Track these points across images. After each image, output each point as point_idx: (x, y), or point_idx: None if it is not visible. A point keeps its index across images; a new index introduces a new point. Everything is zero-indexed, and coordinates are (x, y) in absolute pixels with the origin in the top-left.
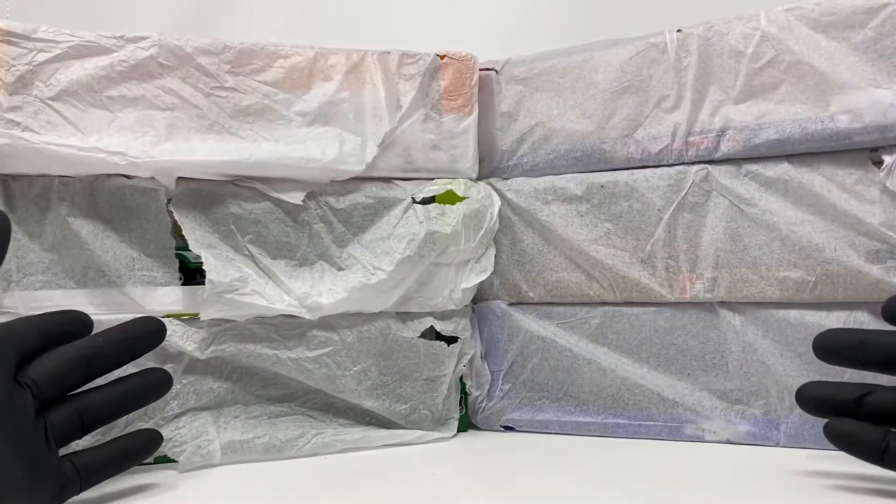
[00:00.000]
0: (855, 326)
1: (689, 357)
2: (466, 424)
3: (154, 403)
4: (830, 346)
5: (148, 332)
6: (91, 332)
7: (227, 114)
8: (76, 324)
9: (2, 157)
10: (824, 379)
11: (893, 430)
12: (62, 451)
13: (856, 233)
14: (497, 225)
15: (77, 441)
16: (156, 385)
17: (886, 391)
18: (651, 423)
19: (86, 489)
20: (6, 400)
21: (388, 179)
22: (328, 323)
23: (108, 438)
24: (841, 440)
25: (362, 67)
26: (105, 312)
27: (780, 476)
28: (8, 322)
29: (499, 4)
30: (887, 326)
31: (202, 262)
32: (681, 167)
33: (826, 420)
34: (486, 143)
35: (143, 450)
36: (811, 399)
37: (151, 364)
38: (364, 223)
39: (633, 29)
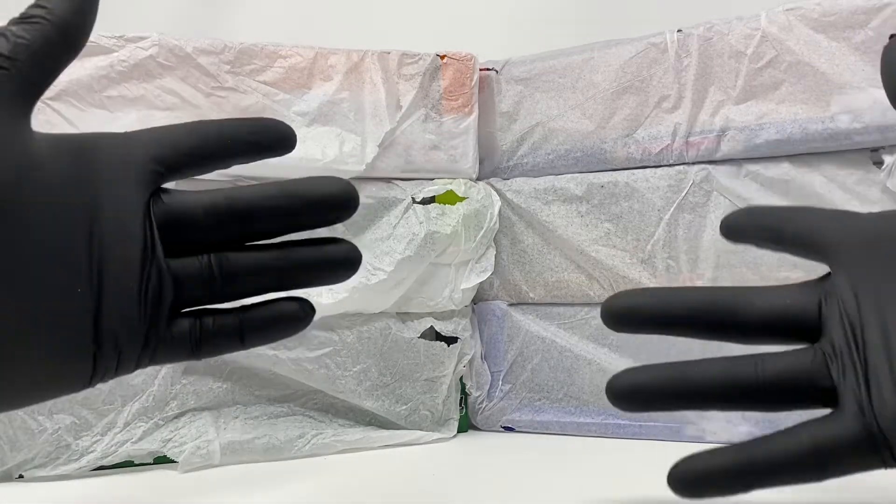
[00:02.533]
0: None
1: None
2: (466, 425)
3: (152, 403)
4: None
5: (335, 195)
6: (291, 150)
7: (227, 114)
8: (265, 135)
9: None
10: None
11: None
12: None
13: None
14: (497, 225)
15: None
16: (342, 261)
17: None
18: (651, 423)
19: (199, 359)
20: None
21: (388, 179)
22: (328, 323)
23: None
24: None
25: (362, 67)
26: None
27: None
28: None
29: (499, 4)
30: None
31: None
32: (681, 167)
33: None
34: (486, 143)
35: (288, 324)
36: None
37: None
38: (364, 223)
39: (633, 29)
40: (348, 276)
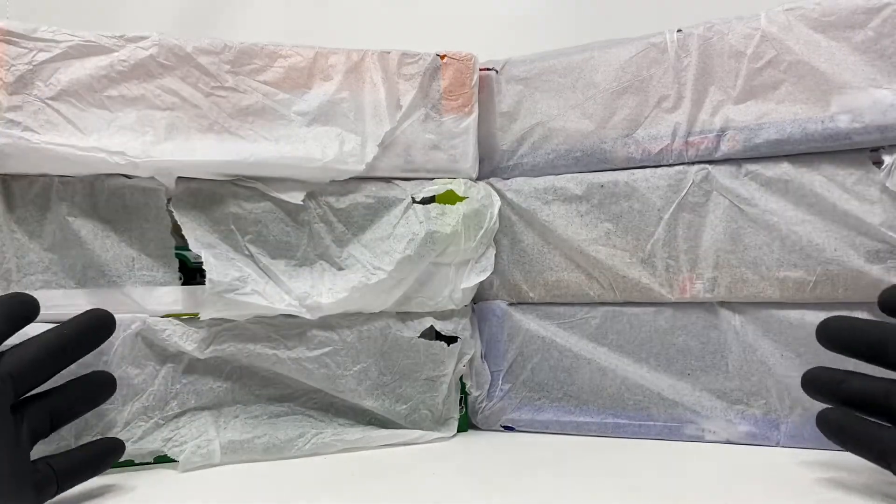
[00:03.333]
0: None
1: (689, 357)
2: (466, 424)
3: (153, 403)
4: (835, 336)
5: (99, 326)
6: (38, 313)
7: (227, 113)
8: (30, 308)
9: (2, 156)
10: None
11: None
12: (35, 454)
13: (856, 233)
14: (497, 225)
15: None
16: (108, 385)
17: (859, 378)
18: (651, 423)
19: (61, 493)
20: None
21: (388, 179)
22: (328, 323)
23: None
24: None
25: (362, 67)
26: None
27: (779, 476)
28: None
29: (499, 4)
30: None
31: (202, 262)
32: (681, 167)
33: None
34: (486, 143)
35: (111, 455)
36: (808, 380)
37: (151, 363)
38: (364, 223)
39: (633, 29)
40: (112, 394)
